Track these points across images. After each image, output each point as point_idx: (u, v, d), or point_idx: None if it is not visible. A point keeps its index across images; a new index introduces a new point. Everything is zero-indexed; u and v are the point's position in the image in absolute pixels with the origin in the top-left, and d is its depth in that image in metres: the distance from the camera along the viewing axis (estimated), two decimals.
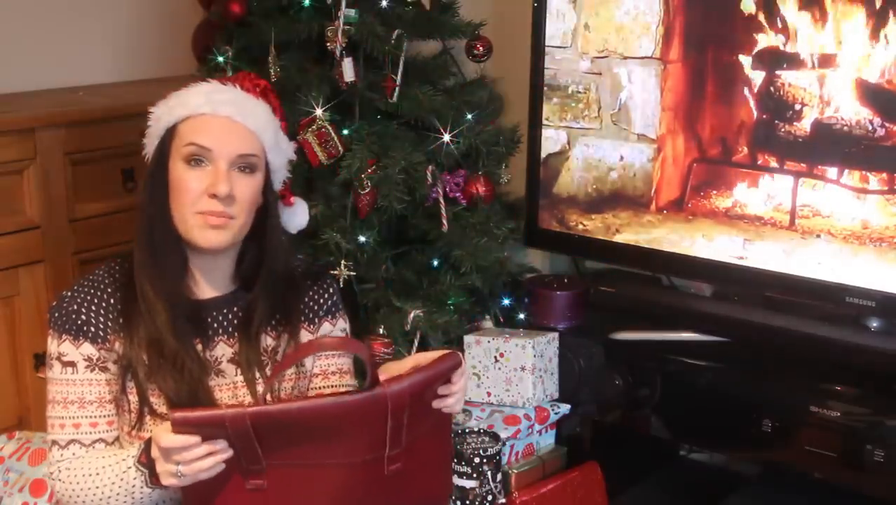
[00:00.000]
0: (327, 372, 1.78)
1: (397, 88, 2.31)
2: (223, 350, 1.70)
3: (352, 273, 2.23)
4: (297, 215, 1.92)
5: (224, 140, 1.61)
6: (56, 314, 1.64)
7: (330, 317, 1.80)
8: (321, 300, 1.80)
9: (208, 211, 1.60)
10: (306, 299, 1.78)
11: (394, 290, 2.32)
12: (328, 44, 2.27)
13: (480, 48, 2.45)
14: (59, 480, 1.61)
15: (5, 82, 2.79)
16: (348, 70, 2.26)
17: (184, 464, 1.44)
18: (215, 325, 1.70)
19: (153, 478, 1.50)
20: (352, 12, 2.26)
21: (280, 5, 2.37)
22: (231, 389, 1.69)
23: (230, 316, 1.71)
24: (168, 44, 3.15)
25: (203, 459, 1.44)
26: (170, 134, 1.64)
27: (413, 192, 2.31)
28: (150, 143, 1.68)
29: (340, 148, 2.25)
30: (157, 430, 1.48)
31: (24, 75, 2.84)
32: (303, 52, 2.34)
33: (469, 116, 2.40)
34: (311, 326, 1.78)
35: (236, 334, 1.71)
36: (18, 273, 2.49)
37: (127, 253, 1.70)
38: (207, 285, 1.70)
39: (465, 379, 1.61)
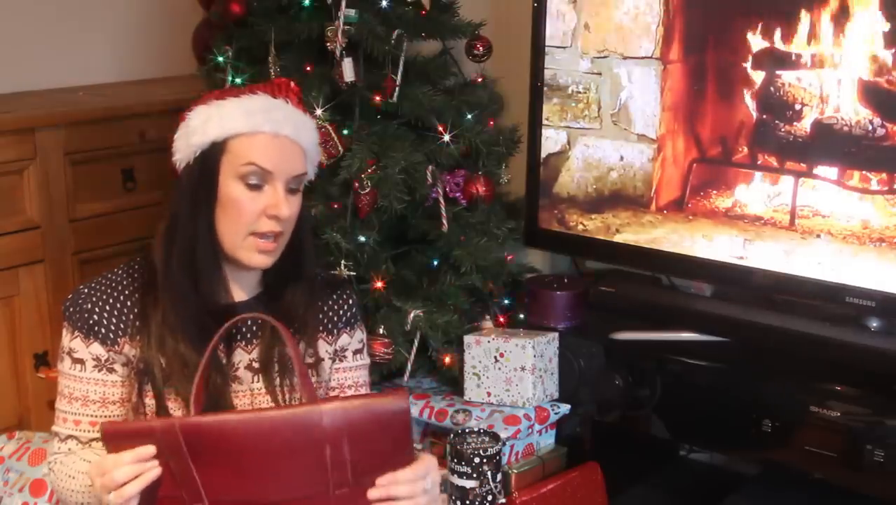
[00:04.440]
0: (343, 385, 1.77)
1: (397, 88, 2.31)
2: (240, 356, 1.68)
3: (352, 273, 2.23)
4: None
5: (284, 162, 1.58)
6: (71, 308, 1.63)
7: (348, 328, 1.78)
8: (340, 311, 1.77)
9: (264, 232, 1.58)
10: (325, 309, 1.76)
11: (394, 290, 2.32)
12: (328, 44, 2.27)
13: (480, 48, 2.45)
14: (53, 471, 1.63)
15: (5, 82, 2.79)
16: (348, 70, 2.26)
17: (114, 492, 1.40)
18: (234, 330, 1.67)
19: None
20: (352, 12, 2.26)
21: (280, 5, 2.37)
22: (248, 396, 1.67)
23: (250, 322, 1.68)
24: (168, 44, 3.15)
25: (131, 482, 1.40)
26: (218, 148, 1.58)
27: (413, 192, 2.31)
28: (187, 151, 1.60)
29: (340, 148, 2.25)
30: (92, 462, 1.47)
31: (24, 75, 2.84)
32: (303, 52, 2.34)
33: (469, 116, 2.40)
34: (330, 337, 1.76)
35: (255, 341, 1.68)
36: (18, 273, 2.49)
37: (147, 253, 1.67)
38: (235, 291, 1.68)
39: (423, 482, 1.46)
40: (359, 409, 1.42)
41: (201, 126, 1.59)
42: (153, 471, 1.40)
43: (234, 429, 1.40)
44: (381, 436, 1.44)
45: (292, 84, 1.70)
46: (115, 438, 1.42)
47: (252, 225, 1.58)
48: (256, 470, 1.41)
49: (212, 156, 1.59)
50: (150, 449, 1.40)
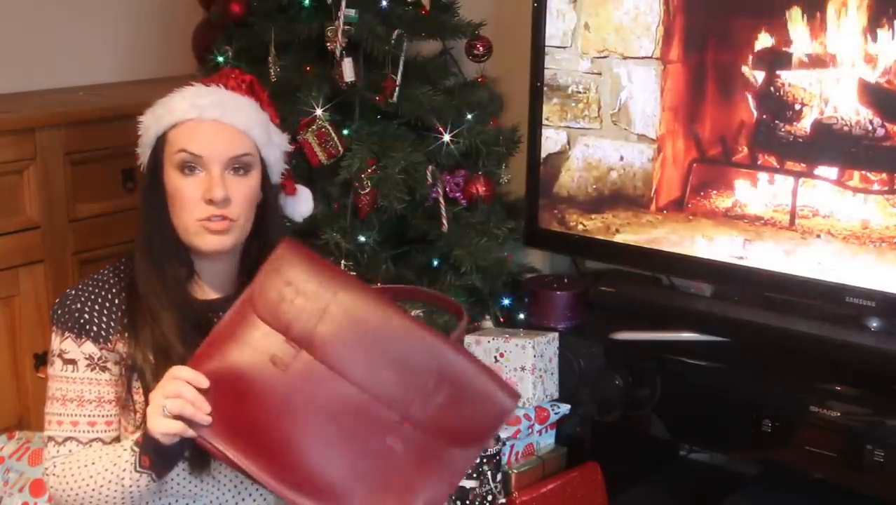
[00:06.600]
0: None
1: (397, 88, 2.31)
2: None
3: (352, 273, 2.23)
4: (301, 203, 1.91)
5: (214, 144, 1.60)
6: (59, 311, 1.63)
7: None
8: None
9: (207, 217, 1.59)
10: None
11: None
12: (328, 44, 2.27)
13: (480, 48, 2.45)
14: (54, 474, 1.60)
15: (5, 82, 2.79)
16: (348, 70, 2.26)
17: (172, 400, 1.42)
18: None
19: (142, 459, 1.49)
20: (352, 12, 2.26)
21: (280, 5, 2.37)
22: None
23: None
24: (168, 44, 3.15)
25: (189, 404, 1.42)
26: (160, 142, 1.63)
27: (413, 192, 2.31)
28: (144, 153, 1.67)
29: (340, 148, 2.25)
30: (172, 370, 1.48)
31: (24, 75, 2.84)
32: (303, 52, 2.34)
33: (469, 116, 2.40)
34: None
35: None
36: (18, 273, 2.49)
37: (133, 252, 1.69)
38: (211, 287, 1.69)
39: None
40: (476, 377, 1.45)
41: (150, 124, 1.65)
42: (203, 418, 1.42)
43: (383, 315, 1.44)
44: (473, 413, 1.45)
45: (235, 72, 1.72)
46: (293, 251, 1.48)
47: (194, 212, 1.59)
48: (368, 352, 1.44)
49: (156, 151, 1.64)
50: (203, 382, 1.43)
